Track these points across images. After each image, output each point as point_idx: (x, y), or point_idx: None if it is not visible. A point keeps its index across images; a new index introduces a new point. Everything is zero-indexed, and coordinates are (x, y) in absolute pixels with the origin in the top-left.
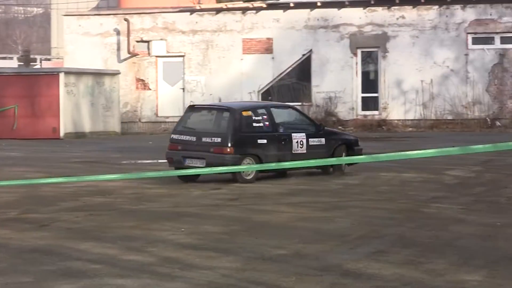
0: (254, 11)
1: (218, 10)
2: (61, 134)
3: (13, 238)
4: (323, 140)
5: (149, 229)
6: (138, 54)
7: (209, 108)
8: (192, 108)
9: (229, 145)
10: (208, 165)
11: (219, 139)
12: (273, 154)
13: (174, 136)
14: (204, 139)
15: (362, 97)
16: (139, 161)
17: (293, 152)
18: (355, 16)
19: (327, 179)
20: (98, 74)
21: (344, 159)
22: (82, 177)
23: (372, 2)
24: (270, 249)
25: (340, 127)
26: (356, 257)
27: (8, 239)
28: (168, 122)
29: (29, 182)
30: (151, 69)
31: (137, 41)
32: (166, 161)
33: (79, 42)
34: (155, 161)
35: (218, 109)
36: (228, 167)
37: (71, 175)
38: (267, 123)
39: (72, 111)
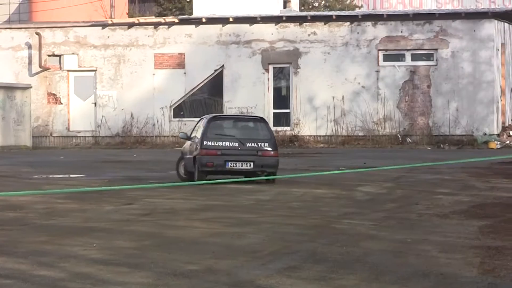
0: (166, 26)
1: (130, 25)
2: None
3: None
4: None
5: (60, 244)
6: (49, 68)
7: (236, 118)
8: (215, 118)
9: (276, 149)
10: (257, 166)
11: (266, 144)
12: None
13: (209, 143)
14: (247, 145)
15: (274, 113)
16: (51, 176)
17: None
18: (267, 32)
19: (239, 194)
20: (9, 88)
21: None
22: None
23: (284, 18)
24: (182, 264)
25: None
26: (268, 273)
27: None
28: (80, 136)
29: None
30: (63, 83)
31: (49, 55)
32: (80, 175)
33: None
34: (67, 175)
35: (250, 119)
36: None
37: None
38: None
39: None
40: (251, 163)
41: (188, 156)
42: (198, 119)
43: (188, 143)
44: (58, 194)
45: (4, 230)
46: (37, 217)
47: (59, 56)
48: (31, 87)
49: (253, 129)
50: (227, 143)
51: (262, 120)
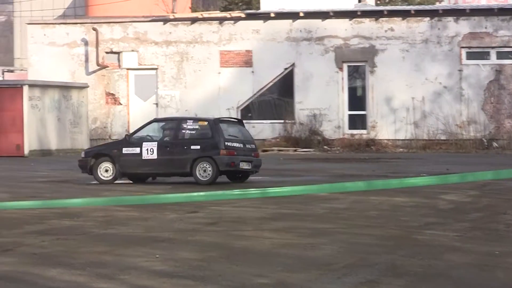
0: (232, 22)
1: (194, 20)
2: (26, 151)
3: None
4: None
5: (120, 255)
6: (107, 66)
7: (230, 121)
8: (221, 120)
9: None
10: (254, 166)
11: (254, 146)
12: None
13: (228, 144)
14: (247, 146)
15: (349, 115)
16: (107, 181)
17: None
18: (340, 27)
19: (312, 202)
20: (65, 87)
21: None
22: (56, 202)
23: (359, 13)
24: (251, 277)
25: (325, 147)
26: None
27: None
28: None
29: None
30: (122, 83)
31: (107, 52)
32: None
33: (44, 52)
34: (127, 182)
35: (238, 122)
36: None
37: (36, 195)
38: None
39: (37, 127)
40: (251, 163)
41: (148, 157)
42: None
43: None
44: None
45: (60, 239)
46: (96, 226)
47: (118, 53)
48: (88, 87)
49: (243, 131)
50: (237, 144)
51: (242, 122)
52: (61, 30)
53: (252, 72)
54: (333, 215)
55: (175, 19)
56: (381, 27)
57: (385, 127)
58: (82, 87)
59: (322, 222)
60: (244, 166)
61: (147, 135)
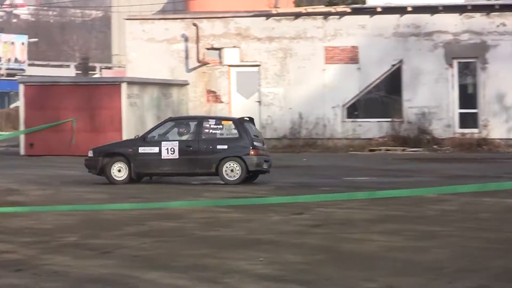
0: (338, 17)
1: (297, 15)
2: None
3: (72, 266)
4: None
5: (223, 257)
6: (208, 63)
7: (247, 120)
8: (244, 120)
9: None
10: (269, 167)
11: (266, 145)
12: None
13: (255, 143)
14: (264, 145)
15: (460, 113)
16: (211, 182)
17: None
18: (450, 22)
19: (422, 204)
20: (165, 85)
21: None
22: (153, 204)
23: (469, 8)
24: (358, 281)
25: (435, 146)
26: None
27: (67, 266)
28: None
29: (91, 208)
30: (224, 80)
31: (208, 49)
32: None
33: (142, 48)
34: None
35: (251, 121)
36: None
37: (135, 196)
38: None
39: (136, 125)
40: (267, 163)
41: (168, 157)
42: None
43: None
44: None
45: (161, 241)
46: (197, 228)
47: (219, 49)
48: (188, 84)
49: (257, 130)
50: (259, 144)
51: (253, 121)
52: (160, 26)
53: (358, 68)
54: (444, 217)
55: (278, 14)
56: (493, 22)
57: (498, 126)
58: (182, 85)
59: (432, 225)
60: (264, 166)
61: (164, 135)
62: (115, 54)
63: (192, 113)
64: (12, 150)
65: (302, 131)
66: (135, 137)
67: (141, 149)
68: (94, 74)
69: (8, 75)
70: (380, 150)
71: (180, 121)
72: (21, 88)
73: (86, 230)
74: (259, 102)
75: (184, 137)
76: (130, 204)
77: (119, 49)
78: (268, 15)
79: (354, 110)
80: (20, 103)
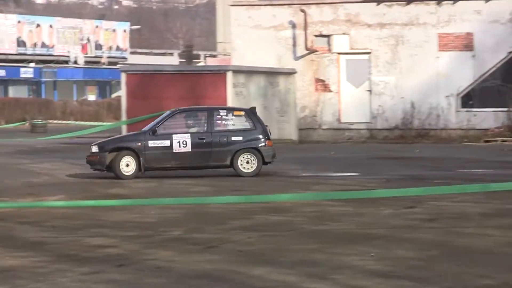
0: (451, 2)
1: (409, 1)
2: None
3: (176, 261)
4: None
5: (332, 253)
6: (317, 51)
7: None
8: (254, 109)
9: None
10: (274, 157)
11: None
12: None
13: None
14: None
15: None
16: (320, 174)
17: None
18: None
19: None
20: (271, 73)
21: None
22: (259, 197)
23: None
24: (474, 278)
25: None
26: None
27: (171, 261)
28: (353, 129)
29: (195, 201)
30: (332, 68)
31: (316, 36)
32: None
33: (248, 36)
34: (339, 174)
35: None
36: None
37: (240, 188)
38: None
39: None
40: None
41: (180, 150)
42: (169, 111)
43: (133, 134)
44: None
45: (267, 236)
46: (305, 222)
47: (328, 36)
48: (296, 72)
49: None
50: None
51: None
52: (267, 12)
53: (473, 56)
54: None
55: (389, 0)
56: None
57: None
58: (290, 73)
59: None
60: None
61: (174, 127)
62: (219, 42)
63: (300, 103)
64: None
65: (414, 121)
66: (140, 130)
67: (151, 143)
68: (198, 62)
69: (110, 63)
70: (496, 141)
71: (190, 113)
72: (123, 77)
73: (191, 224)
74: (370, 91)
75: (196, 129)
76: (236, 197)
77: (224, 36)
78: (379, 1)
79: (469, 99)
80: (121, 93)
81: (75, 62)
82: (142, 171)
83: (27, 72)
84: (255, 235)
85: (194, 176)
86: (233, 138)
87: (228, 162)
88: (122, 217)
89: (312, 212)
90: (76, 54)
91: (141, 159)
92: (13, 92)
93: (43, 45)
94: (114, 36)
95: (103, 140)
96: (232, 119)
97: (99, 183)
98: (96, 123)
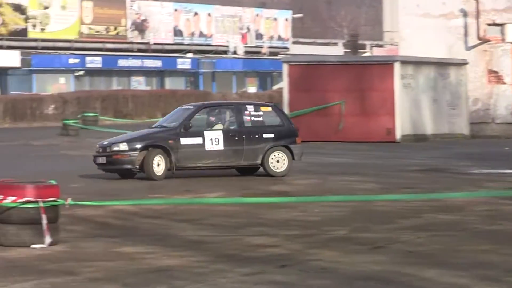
0: None
1: None
2: (397, 136)
3: (341, 261)
4: None
5: (507, 254)
6: (490, 40)
7: None
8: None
9: None
10: None
11: None
12: None
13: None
14: None
15: None
16: (494, 171)
17: None
18: None
19: None
20: (441, 64)
21: None
22: (429, 195)
23: None
24: None
25: None
26: None
27: (336, 262)
28: None
29: (361, 199)
30: (506, 59)
31: (489, 24)
32: None
33: (417, 25)
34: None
35: None
36: None
37: (410, 186)
38: None
39: (410, 109)
40: None
41: (213, 148)
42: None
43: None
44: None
45: (438, 236)
46: (478, 221)
47: (501, 25)
48: (467, 63)
49: None
50: None
51: None
52: (436, 0)
53: None
54: None
55: None
56: None
57: None
58: (461, 64)
59: None
60: None
61: (204, 124)
62: (386, 31)
63: (472, 95)
64: None
65: None
66: (151, 126)
67: (183, 140)
68: (364, 52)
69: (271, 53)
70: None
71: (218, 108)
72: (285, 68)
73: (356, 223)
74: None
75: (226, 126)
76: (404, 195)
77: (391, 25)
78: None
79: None
80: (283, 84)
81: (235, 52)
82: (173, 171)
83: (184, 63)
84: (424, 235)
85: (358, 173)
86: (265, 136)
87: (259, 161)
88: (285, 215)
89: (485, 211)
90: (235, 44)
91: (172, 157)
92: (170, 83)
93: (201, 34)
94: (275, 25)
95: (126, 137)
96: (261, 115)
97: (259, 180)
98: None
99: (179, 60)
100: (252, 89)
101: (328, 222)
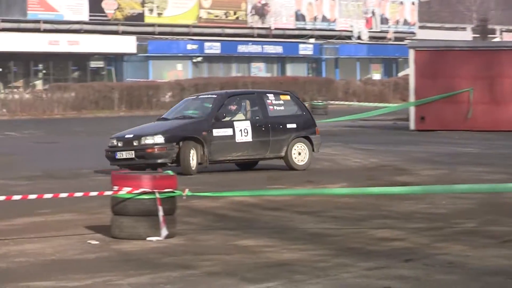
0: None
1: None
2: None
3: (469, 256)
4: None
5: None
6: None
7: None
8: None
9: None
10: None
11: None
12: None
13: None
14: None
15: None
16: None
17: None
18: None
19: None
20: None
21: None
22: None
23: None
24: None
25: None
26: None
27: (464, 257)
28: None
29: (491, 188)
30: None
31: None
32: None
33: None
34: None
35: None
36: None
37: None
38: None
39: None
40: None
41: (242, 140)
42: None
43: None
44: None
45: None
46: None
47: None
48: None
49: None
50: None
51: None
52: None
53: None
54: None
55: None
56: None
57: None
58: None
59: None
60: None
61: (232, 113)
62: None
63: None
64: (400, 124)
65: None
66: (158, 119)
67: (215, 132)
68: (494, 38)
69: (396, 39)
70: None
71: (241, 96)
72: (411, 53)
73: (486, 215)
74: None
75: (252, 116)
76: None
77: None
78: None
79: None
80: (409, 71)
81: (359, 38)
82: (206, 164)
83: (306, 49)
84: None
85: (486, 163)
86: (288, 126)
87: (283, 153)
88: (410, 208)
89: None
90: (359, 29)
91: (205, 150)
92: (291, 70)
93: (324, 19)
94: (402, 9)
95: (155, 129)
96: (282, 104)
97: (385, 170)
98: (381, 105)
99: (301, 45)
100: (376, 76)
101: (455, 214)
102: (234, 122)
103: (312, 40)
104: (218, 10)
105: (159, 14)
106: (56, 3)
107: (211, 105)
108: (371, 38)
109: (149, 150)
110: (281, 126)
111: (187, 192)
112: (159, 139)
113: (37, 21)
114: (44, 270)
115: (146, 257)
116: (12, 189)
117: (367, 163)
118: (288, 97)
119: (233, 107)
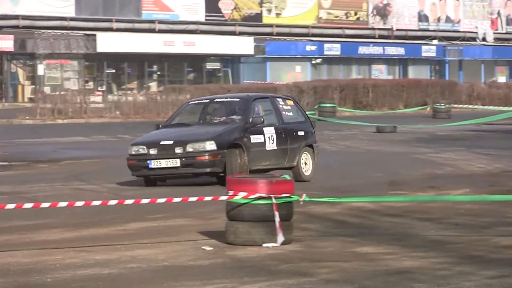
0: None
1: None
2: None
3: None
4: None
5: None
6: None
7: None
8: None
9: None
10: None
11: None
12: None
13: None
14: None
15: None
16: None
17: None
18: None
19: None
20: None
21: None
22: None
23: None
24: None
25: None
26: None
27: None
28: None
29: None
30: None
31: None
32: None
33: None
34: None
35: None
36: None
37: None
38: None
39: None
40: None
41: (270, 147)
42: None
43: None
44: None
45: None
46: None
47: None
48: None
49: None
50: None
51: None
52: None
53: None
54: None
55: None
56: None
57: None
58: None
59: None
60: None
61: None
62: None
63: None
64: None
65: None
66: (160, 126)
67: (252, 138)
68: None
69: None
70: None
71: (260, 100)
72: None
73: None
74: None
75: (271, 122)
76: None
77: None
78: None
79: None
80: None
81: (483, 39)
82: (247, 173)
83: (429, 50)
84: None
85: None
86: (299, 133)
87: (295, 163)
88: None
89: None
90: (484, 30)
91: (246, 158)
92: (413, 72)
93: (448, 19)
94: None
95: (212, 134)
96: (290, 109)
97: (510, 176)
98: (506, 108)
99: (423, 47)
100: (501, 79)
101: None
102: (264, 128)
103: (435, 42)
104: (338, 10)
105: (278, 15)
106: (172, 3)
107: (236, 109)
108: (496, 39)
109: (200, 158)
110: (294, 134)
111: (304, 197)
112: (211, 145)
113: (152, 21)
114: (156, 276)
115: (261, 264)
116: (124, 193)
117: (491, 169)
118: (292, 102)
119: (261, 112)
